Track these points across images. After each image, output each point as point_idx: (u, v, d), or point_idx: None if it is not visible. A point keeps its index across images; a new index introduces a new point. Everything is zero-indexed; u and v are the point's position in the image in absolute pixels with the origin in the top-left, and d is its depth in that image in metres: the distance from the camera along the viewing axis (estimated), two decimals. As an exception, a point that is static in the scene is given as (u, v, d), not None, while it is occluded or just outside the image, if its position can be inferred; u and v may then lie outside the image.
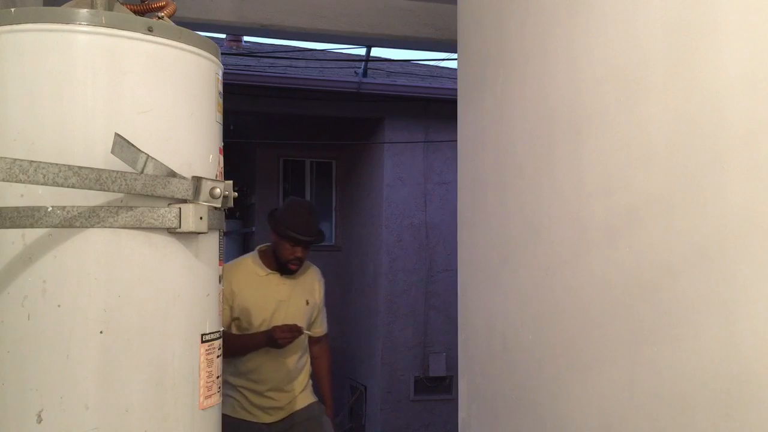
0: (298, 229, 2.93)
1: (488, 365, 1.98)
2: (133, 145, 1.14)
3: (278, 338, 2.85)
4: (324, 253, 6.82)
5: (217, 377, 1.32)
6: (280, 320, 2.95)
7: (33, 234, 1.15)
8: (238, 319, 2.93)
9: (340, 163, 7.79)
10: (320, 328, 3.22)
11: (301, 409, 3.05)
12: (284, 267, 2.98)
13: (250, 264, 3.04)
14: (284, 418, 3.02)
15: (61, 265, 1.15)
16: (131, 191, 1.14)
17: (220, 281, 1.36)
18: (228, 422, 2.85)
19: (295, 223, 2.95)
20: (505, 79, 1.89)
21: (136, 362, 1.18)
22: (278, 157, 7.55)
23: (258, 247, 3.14)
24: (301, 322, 2.99)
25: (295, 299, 3.04)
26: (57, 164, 1.07)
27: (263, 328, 2.91)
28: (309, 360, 3.17)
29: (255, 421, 2.96)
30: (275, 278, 3.00)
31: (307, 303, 3.07)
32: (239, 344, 2.91)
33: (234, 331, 2.95)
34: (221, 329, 1.35)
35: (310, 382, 3.15)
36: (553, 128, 1.63)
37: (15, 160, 1.05)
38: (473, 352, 2.10)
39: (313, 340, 3.18)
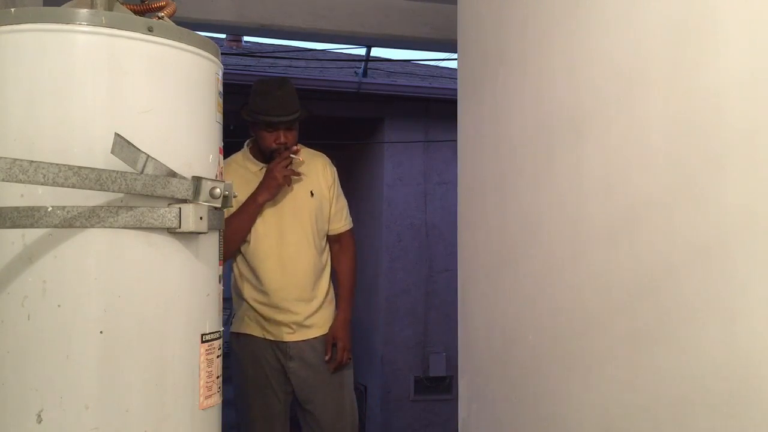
0: (268, 109, 2.52)
1: (488, 365, 1.98)
2: (133, 145, 1.14)
3: (278, 176, 2.46)
4: (324, 253, 6.80)
5: (217, 377, 1.32)
6: (285, 218, 2.58)
7: (33, 234, 1.15)
8: None
9: (339, 163, 7.76)
10: (338, 224, 2.73)
11: (319, 340, 2.62)
12: (272, 159, 2.56)
13: (240, 160, 2.68)
14: (306, 340, 2.62)
15: (61, 265, 1.15)
16: (131, 191, 1.14)
17: (220, 281, 1.37)
18: (243, 339, 2.63)
19: (264, 104, 2.53)
20: (505, 79, 1.89)
21: (136, 362, 1.18)
22: (278, 157, 7.54)
23: (246, 141, 2.75)
24: (309, 217, 2.60)
25: (295, 192, 2.61)
26: (57, 164, 1.07)
27: (267, 230, 2.56)
28: (329, 264, 2.71)
29: (271, 339, 2.61)
30: None
31: (312, 194, 2.64)
32: (237, 221, 2.48)
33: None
34: (221, 329, 1.35)
35: (333, 296, 2.72)
36: (552, 128, 1.63)
37: (15, 160, 1.05)
38: (473, 352, 2.10)
39: (332, 239, 2.73)
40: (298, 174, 2.60)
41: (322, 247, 2.68)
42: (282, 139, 2.57)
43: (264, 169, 2.59)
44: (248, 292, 2.64)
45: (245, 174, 2.63)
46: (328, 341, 2.67)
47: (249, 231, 2.58)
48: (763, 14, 1.03)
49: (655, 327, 1.25)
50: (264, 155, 2.63)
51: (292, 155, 2.55)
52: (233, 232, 2.50)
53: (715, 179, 1.11)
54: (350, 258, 2.77)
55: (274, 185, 2.51)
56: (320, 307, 2.65)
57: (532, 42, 1.74)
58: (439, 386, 6.33)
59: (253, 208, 2.54)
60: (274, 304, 2.60)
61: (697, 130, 1.15)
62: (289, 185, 2.58)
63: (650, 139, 1.27)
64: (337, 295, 2.78)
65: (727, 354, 1.09)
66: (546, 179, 1.66)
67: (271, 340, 2.63)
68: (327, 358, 2.66)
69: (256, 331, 2.65)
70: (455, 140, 2.27)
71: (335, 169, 2.78)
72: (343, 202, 2.79)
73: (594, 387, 1.44)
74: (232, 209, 2.50)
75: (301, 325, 2.61)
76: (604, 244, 1.41)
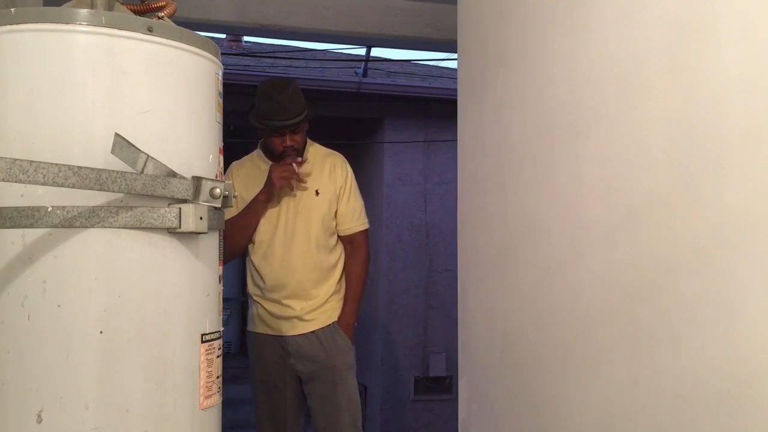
0: (272, 114, 2.53)
1: (488, 365, 1.98)
2: (133, 145, 1.14)
3: (274, 179, 2.48)
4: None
5: (217, 377, 1.32)
6: (288, 217, 2.59)
7: (33, 234, 1.15)
8: None
9: (340, 163, 7.76)
10: (349, 224, 2.67)
11: (323, 336, 2.61)
12: (282, 159, 2.58)
13: (255, 159, 2.71)
14: (305, 334, 2.61)
15: (61, 265, 1.15)
16: (131, 191, 1.14)
17: (220, 281, 1.37)
18: (250, 336, 2.71)
19: (268, 109, 2.55)
20: (504, 79, 1.89)
21: (136, 362, 1.18)
22: (278, 157, 7.54)
23: (261, 140, 2.76)
24: (313, 216, 2.59)
25: (300, 190, 2.61)
26: (57, 164, 1.07)
27: (272, 228, 2.58)
28: (342, 264, 2.71)
29: (273, 334, 2.63)
30: None
31: (318, 193, 2.62)
32: (241, 220, 2.54)
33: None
34: (221, 329, 1.35)
35: (342, 295, 2.72)
36: (553, 128, 1.63)
37: (15, 160, 1.04)
38: (473, 352, 2.10)
39: (344, 240, 2.70)
40: (300, 180, 2.60)
41: (330, 246, 2.66)
42: (288, 143, 2.58)
43: None
44: (252, 288, 2.69)
45: (257, 173, 2.65)
46: None
47: (254, 229, 2.62)
48: (763, 15, 1.03)
49: (654, 327, 1.25)
50: (273, 156, 2.65)
51: (294, 163, 2.57)
52: (237, 229, 2.55)
53: (715, 179, 1.11)
54: (360, 260, 2.72)
55: (271, 186, 2.55)
56: (324, 303, 2.65)
57: (532, 42, 1.74)
58: (439, 386, 6.32)
59: (255, 207, 2.58)
60: (274, 299, 2.63)
61: (697, 130, 1.15)
62: (291, 189, 2.60)
63: (650, 139, 1.27)
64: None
65: (727, 354, 1.09)
66: (546, 179, 1.66)
67: (273, 336, 2.65)
68: None
69: (260, 328, 2.69)
70: (455, 140, 2.27)
71: (350, 169, 2.74)
72: (357, 203, 2.73)
73: (594, 387, 1.44)
74: (236, 208, 2.56)
75: (300, 320, 2.62)
76: (604, 244, 1.41)
